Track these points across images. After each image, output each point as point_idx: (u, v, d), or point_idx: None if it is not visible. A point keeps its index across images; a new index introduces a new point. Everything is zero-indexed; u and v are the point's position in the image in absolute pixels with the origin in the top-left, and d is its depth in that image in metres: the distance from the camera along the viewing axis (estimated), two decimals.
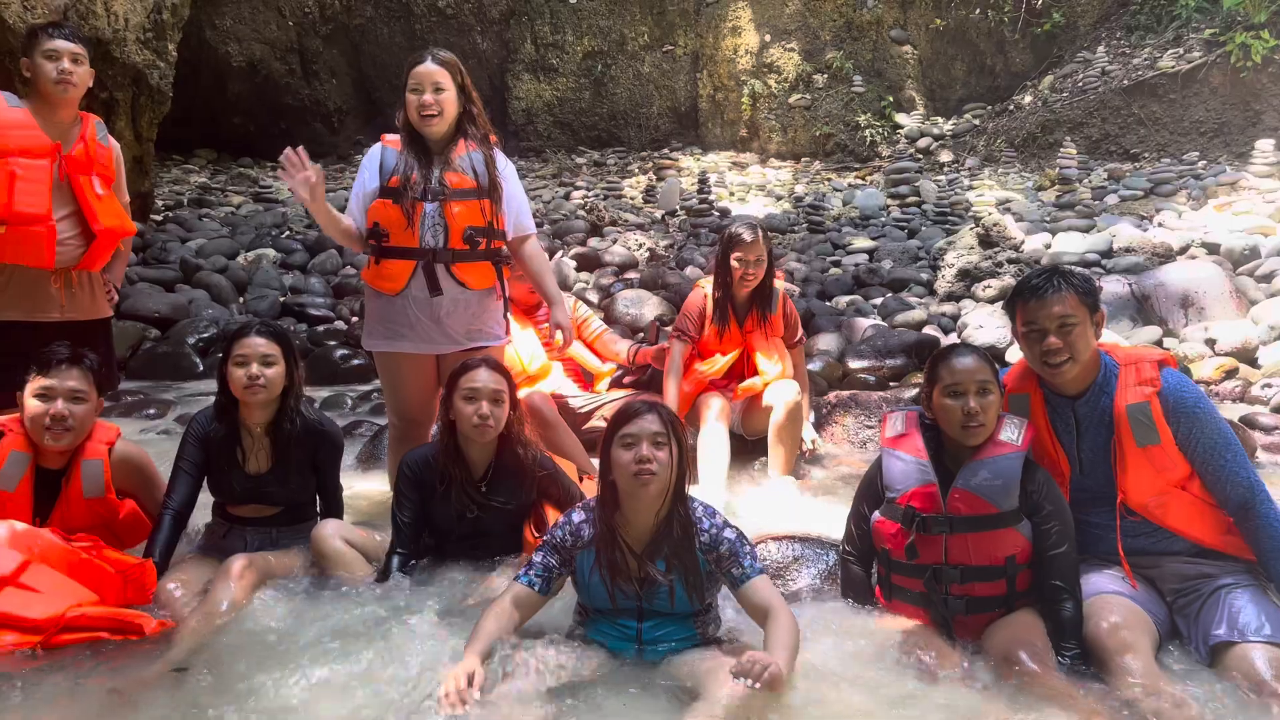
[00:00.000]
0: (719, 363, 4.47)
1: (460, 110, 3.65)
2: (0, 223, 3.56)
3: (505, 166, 3.78)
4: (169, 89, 9.21)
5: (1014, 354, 6.36)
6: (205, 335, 6.99)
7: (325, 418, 3.49)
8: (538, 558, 2.72)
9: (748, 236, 4.37)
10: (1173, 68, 13.69)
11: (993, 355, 6.37)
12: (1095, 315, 2.80)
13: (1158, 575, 2.79)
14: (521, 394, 4.49)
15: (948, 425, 2.77)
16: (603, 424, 4.70)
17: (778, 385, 4.34)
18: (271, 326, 3.35)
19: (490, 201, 3.67)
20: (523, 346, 4.63)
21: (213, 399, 3.37)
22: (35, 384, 3.04)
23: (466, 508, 3.21)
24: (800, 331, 4.77)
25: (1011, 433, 2.73)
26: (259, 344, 3.21)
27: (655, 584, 2.60)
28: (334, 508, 3.49)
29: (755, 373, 4.46)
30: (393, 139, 3.70)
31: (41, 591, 2.64)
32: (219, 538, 3.43)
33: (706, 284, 4.58)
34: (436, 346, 3.71)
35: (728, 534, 2.66)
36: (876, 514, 2.89)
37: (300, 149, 3.51)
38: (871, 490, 2.97)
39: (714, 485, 4.12)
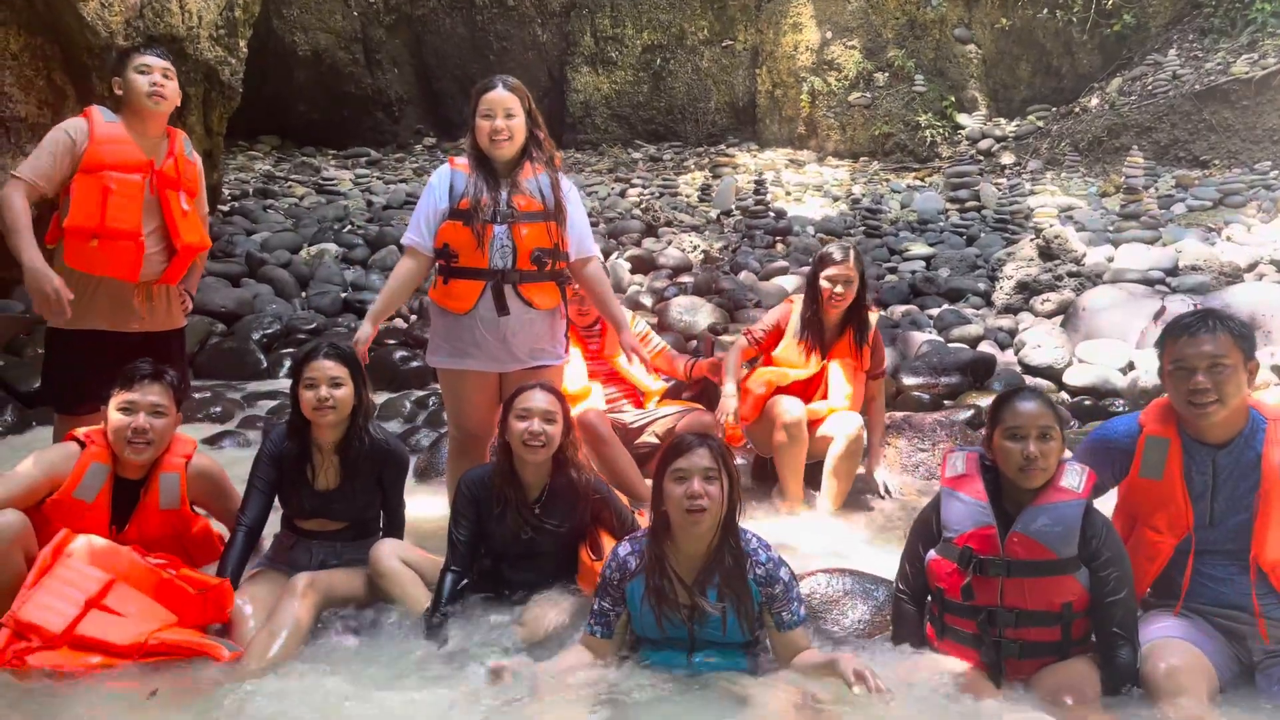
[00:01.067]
0: (790, 377, 4.44)
1: (527, 134, 3.73)
2: (93, 236, 3.67)
3: (569, 189, 3.85)
4: (239, 85, 9.39)
5: (1071, 375, 6.30)
6: (269, 331, 7.17)
7: (392, 438, 3.59)
8: (595, 604, 2.81)
9: (838, 255, 4.32)
10: (1246, 73, 13.35)
11: (1050, 375, 6.38)
12: (1249, 363, 2.72)
13: (1250, 633, 2.74)
14: (577, 409, 4.58)
15: (1007, 467, 2.77)
16: (654, 439, 4.80)
17: (841, 416, 4.30)
18: (340, 349, 3.43)
19: (556, 223, 3.75)
20: (568, 366, 4.69)
21: (277, 402, 3.48)
22: (119, 398, 3.16)
23: (521, 529, 3.27)
24: (884, 365, 4.63)
25: (1073, 479, 2.71)
26: (328, 367, 3.30)
27: (706, 614, 2.66)
28: (396, 524, 3.58)
29: (825, 396, 4.42)
30: (461, 162, 3.78)
31: (125, 615, 2.75)
32: (286, 549, 3.55)
33: (799, 300, 4.57)
34: (501, 365, 3.79)
35: (783, 573, 2.72)
36: (932, 553, 2.90)
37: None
38: (927, 529, 2.97)
39: (824, 504, 4.29)
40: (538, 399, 3.23)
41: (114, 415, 3.14)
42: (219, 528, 3.49)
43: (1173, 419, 2.82)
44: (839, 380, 4.36)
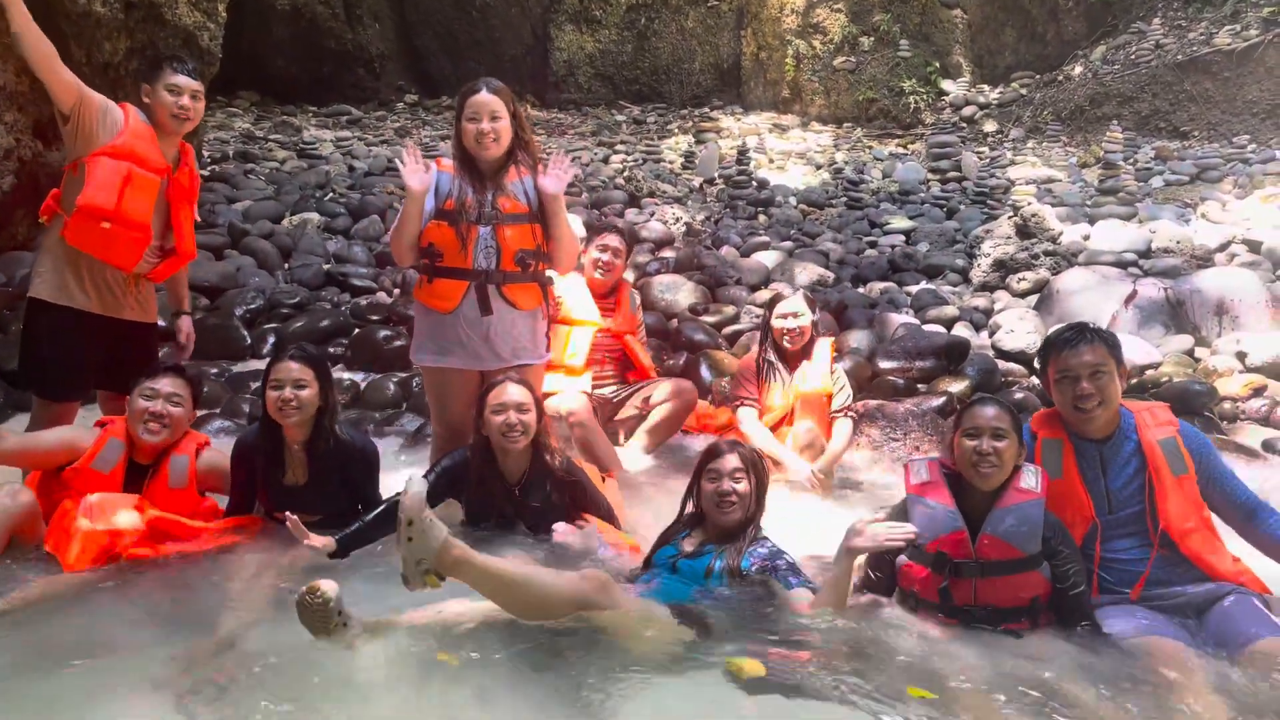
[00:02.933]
0: (770, 421, 4.67)
1: (513, 136, 3.79)
2: (106, 219, 3.73)
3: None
4: (218, 50, 9.29)
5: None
6: (253, 306, 7.19)
7: (359, 436, 3.73)
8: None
9: (787, 293, 4.73)
10: (1229, 44, 13.41)
11: (1022, 360, 6.51)
12: (1121, 368, 3.05)
13: (1179, 605, 2.96)
14: (560, 398, 4.71)
15: (963, 465, 2.95)
16: (634, 412, 4.96)
17: (796, 426, 4.55)
18: (306, 352, 3.59)
19: (540, 225, 3.83)
20: (577, 338, 4.83)
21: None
22: (142, 386, 3.45)
23: (503, 510, 3.47)
24: (849, 403, 4.74)
25: (1031, 480, 2.93)
26: (293, 369, 3.46)
27: (703, 552, 3.14)
28: None
29: (791, 424, 4.64)
30: (447, 163, 3.84)
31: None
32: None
33: (755, 349, 4.86)
34: (483, 363, 3.89)
35: (779, 561, 3.10)
36: (903, 558, 3.05)
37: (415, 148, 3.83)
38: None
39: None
40: (511, 393, 3.44)
41: (135, 400, 3.44)
42: None
43: (1059, 424, 3.13)
44: (801, 408, 4.61)
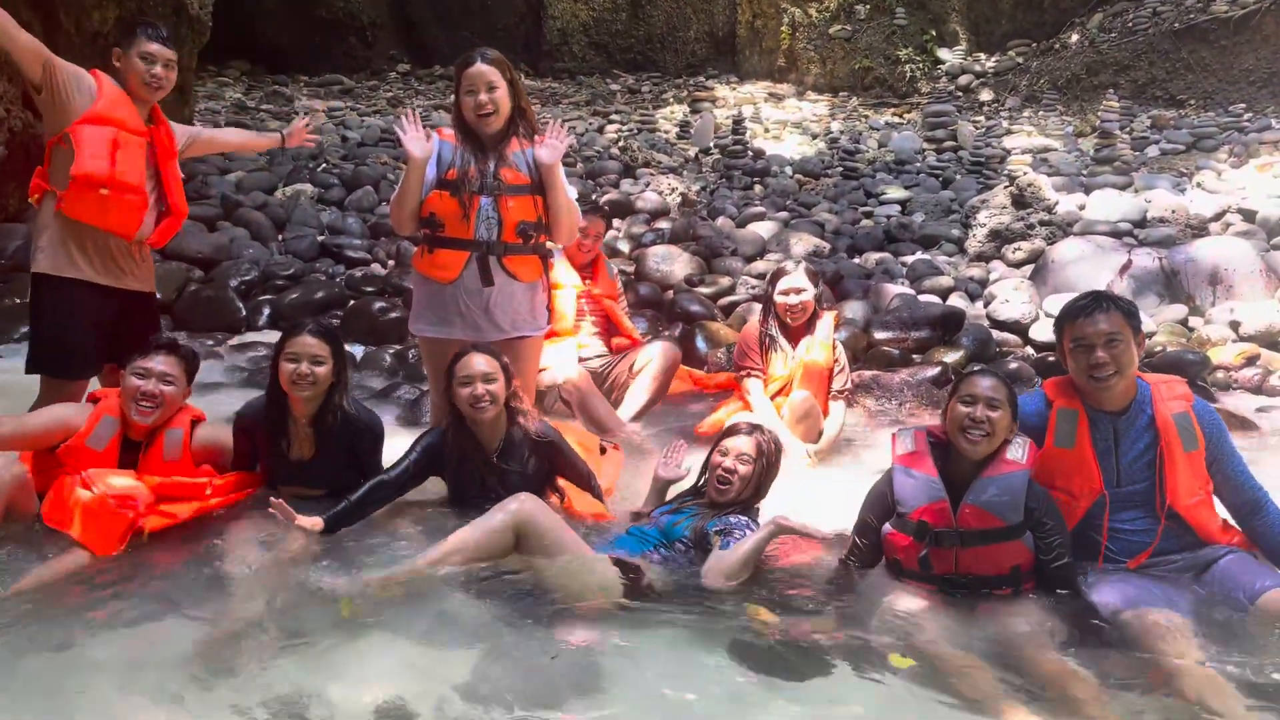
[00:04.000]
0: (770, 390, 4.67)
1: (512, 106, 3.76)
2: (102, 185, 3.70)
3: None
4: (208, 18, 9.21)
5: (1037, 330, 6.46)
6: (247, 278, 7.17)
7: (365, 410, 3.70)
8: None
9: (790, 268, 4.66)
10: (1226, 12, 13.32)
11: (1017, 330, 6.53)
12: (1138, 336, 3.01)
13: (1179, 569, 3.00)
14: (554, 369, 4.74)
15: (952, 431, 2.95)
16: (622, 380, 5.02)
17: (792, 396, 4.54)
18: (324, 327, 3.57)
19: (541, 197, 3.81)
20: (561, 301, 4.87)
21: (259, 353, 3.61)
22: (135, 363, 3.38)
23: (486, 479, 3.48)
24: (847, 385, 4.77)
25: (1017, 452, 2.92)
26: (311, 344, 3.43)
27: (686, 513, 3.30)
28: None
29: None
30: (448, 133, 3.82)
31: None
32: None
33: (753, 320, 4.85)
34: (483, 335, 3.87)
35: (737, 534, 3.17)
36: (887, 526, 3.08)
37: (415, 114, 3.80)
38: (881, 503, 3.14)
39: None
40: (477, 363, 3.44)
41: (128, 379, 3.37)
42: None
43: (1076, 392, 3.09)
44: (799, 379, 4.60)
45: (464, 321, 3.85)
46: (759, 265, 7.66)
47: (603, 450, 4.13)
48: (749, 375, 4.66)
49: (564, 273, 5.03)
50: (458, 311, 3.84)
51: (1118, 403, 3.02)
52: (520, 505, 3.03)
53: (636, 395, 4.92)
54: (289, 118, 12.90)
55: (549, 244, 4.04)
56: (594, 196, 9.25)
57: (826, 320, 4.68)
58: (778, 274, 4.68)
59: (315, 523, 3.21)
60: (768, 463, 3.31)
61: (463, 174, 3.70)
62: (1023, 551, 2.91)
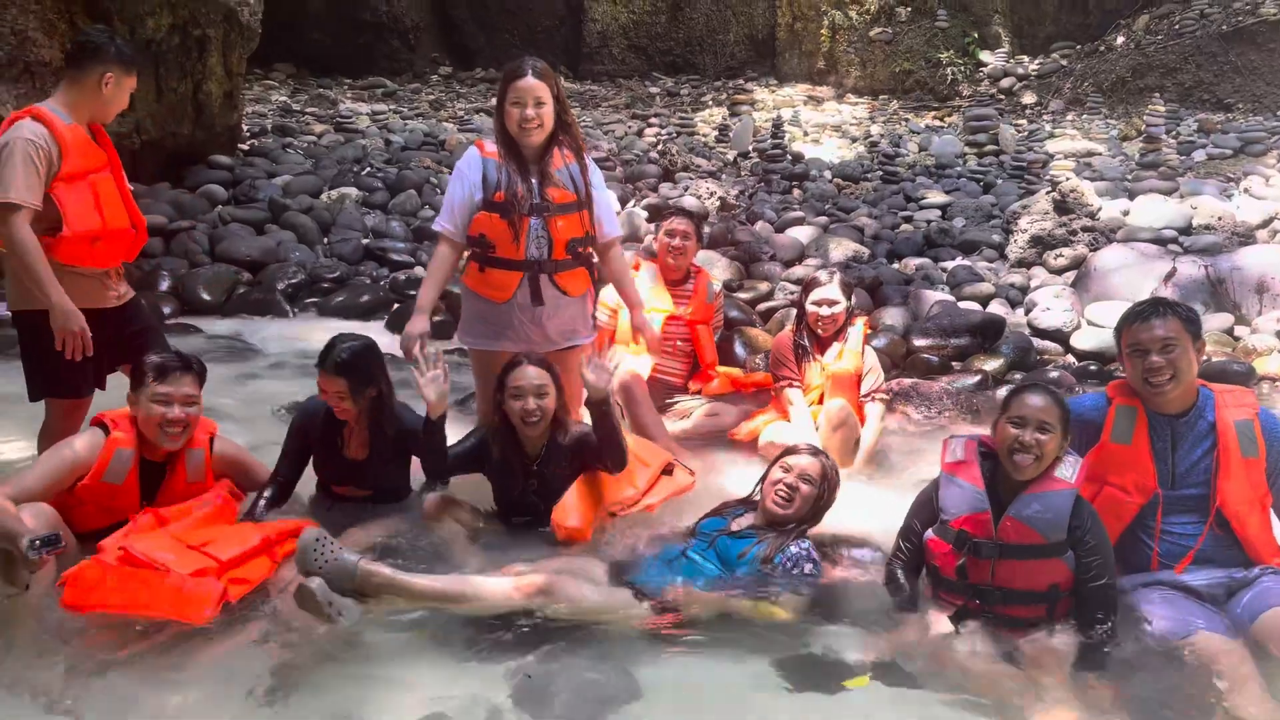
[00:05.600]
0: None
1: (556, 119, 3.81)
2: (96, 238, 3.69)
3: (595, 173, 3.95)
4: (258, 25, 9.41)
5: (1079, 339, 6.42)
6: (294, 280, 7.33)
7: (409, 411, 3.79)
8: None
9: (824, 278, 4.61)
10: (1275, 15, 13.12)
11: (1058, 338, 6.49)
12: (1197, 343, 3.04)
13: (1223, 584, 3.00)
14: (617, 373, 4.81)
15: (1001, 451, 2.97)
16: (675, 419, 5.02)
17: (827, 404, 4.50)
18: (340, 360, 3.53)
19: (588, 212, 3.86)
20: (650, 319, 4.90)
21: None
22: (154, 390, 3.29)
23: (526, 481, 3.59)
24: (879, 385, 4.71)
25: (1067, 470, 2.92)
26: (329, 381, 3.53)
27: (746, 535, 3.28)
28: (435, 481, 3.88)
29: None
30: (490, 149, 3.85)
31: (216, 539, 3.04)
32: (325, 510, 3.82)
33: (788, 329, 4.82)
34: (534, 347, 3.91)
35: (808, 566, 3.24)
36: (930, 532, 3.11)
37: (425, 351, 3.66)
38: (926, 508, 3.17)
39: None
40: (529, 376, 3.49)
41: (150, 406, 3.29)
42: None
43: (1136, 394, 3.12)
44: (834, 390, 4.56)
45: (516, 334, 3.90)
46: (797, 270, 7.67)
47: (670, 471, 3.95)
48: (789, 385, 4.65)
49: (651, 293, 4.93)
50: (509, 325, 3.89)
51: (1176, 407, 3.05)
52: (542, 583, 2.98)
53: (685, 425, 4.96)
54: (332, 120, 13.12)
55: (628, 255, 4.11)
56: (631, 202, 9.31)
57: (857, 327, 4.65)
58: (811, 283, 4.64)
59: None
60: (828, 488, 3.36)
61: (510, 195, 3.72)
62: (1062, 570, 2.91)
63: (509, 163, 3.76)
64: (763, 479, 3.42)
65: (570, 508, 3.49)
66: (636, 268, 5.04)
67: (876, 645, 2.96)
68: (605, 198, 4.00)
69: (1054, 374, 5.80)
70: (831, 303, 4.52)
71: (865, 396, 4.63)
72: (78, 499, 3.25)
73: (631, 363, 4.87)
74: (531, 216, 3.75)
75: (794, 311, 4.98)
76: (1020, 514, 2.91)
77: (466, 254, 3.93)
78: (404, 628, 2.89)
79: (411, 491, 3.87)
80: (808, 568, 3.21)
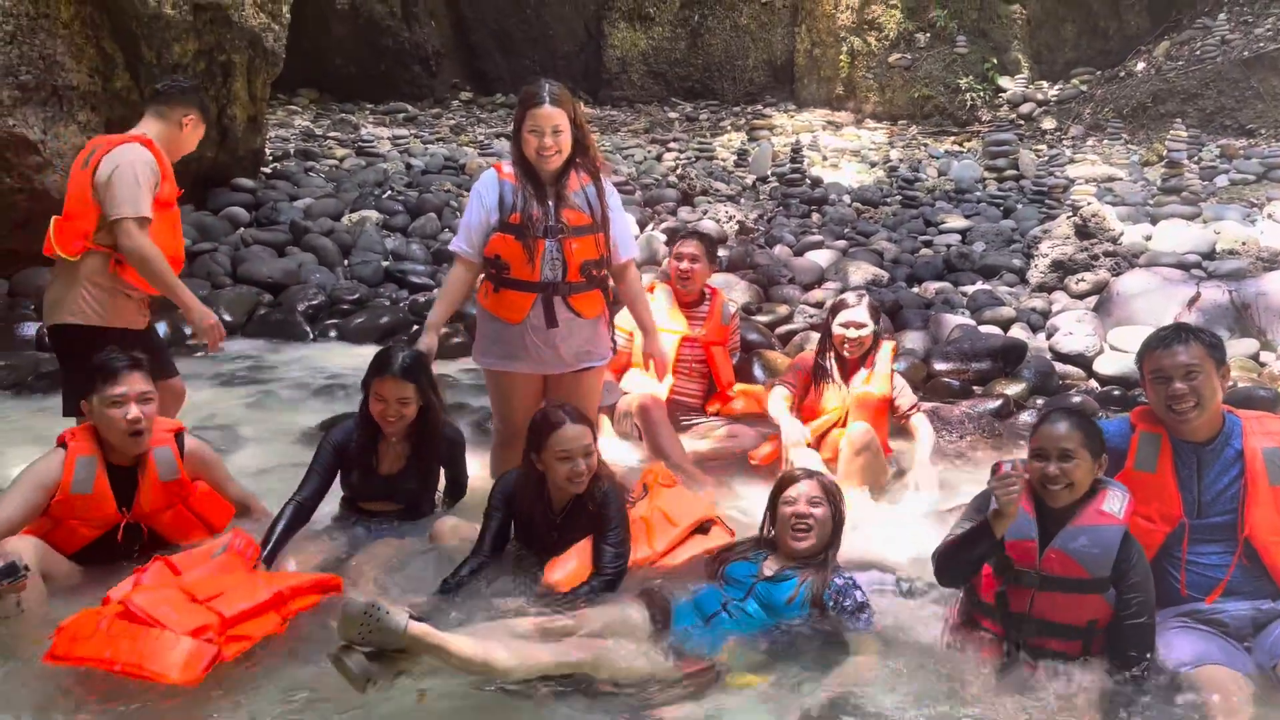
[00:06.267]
0: (814, 424, 4.58)
1: (574, 144, 3.81)
2: (173, 264, 4.05)
3: (612, 195, 3.95)
4: (282, 51, 9.51)
5: (1101, 364, 6.36)
6: (314, 302, 7.36)
7: (450, 424, 3.84)
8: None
9: (852, 300, 4.56)
10: None
11: (1080, 363, 6.43)
12: (1221, 368, 2.98)
13: (1248, 613, 2.93)
14: (633, 395, 4.79)
15: (1034, 483, 2.92)
16: (694, 438, 4.99)
17: (850, 428, 4.47)
18: (409, 365, 3.56)
19: (604, 234, 3.86)
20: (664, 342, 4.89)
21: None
22: (107, 393, 3.25)
23: (548, 535, 3.46)
24: (914, 402, 4.68)
25: (1115, 505, 2.85)
26: (397, 387, 3.53)
27: (785, 577, 3.12)
28: (459, 491, 3.92)
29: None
30: (507, 171, 3.86)
31: (225, 591, 2.90)
32: (349, 526, 3.81)
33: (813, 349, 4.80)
34: (548, 368, 3.93)
35: (856, 594, 3.13)
36: None
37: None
38: (977, 510, 3.08)
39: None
40: (574, 435, 3.31)
41: (107, 411, 3.25)
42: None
43: (1160, 421, 3.06)
44: (855, 412, 4.50)
45: (530, 355, 3.90)
46: (816, 294, 7.65)
47: (706, 529, 3.62)
48: (778, 384, 4.67)
49: (666, 315, 4.93)
50: (523, 347, 3.88)
51: (1201, 434, 3.00)
52: (590, 658, 2.84)
53: (704, 446, 4.93)
54: (354, 144, 13.24)
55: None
56: (650, 225, 9.33)
57: (884, 351, 4.61)
58: (839, 305, 4.59)
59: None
60: (836, 504, 3.26)
61: (526, 217, 3.72)
62: (1102, 607, 2.84)
63: (525, 185, 3.77)
64: (768, 518, 3.33)
65: (563, 564, 3.31)
66: (652, 290, 5.05)
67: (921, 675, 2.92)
68: (622, 220, 4.00)
69: (1077, 399, 5.74)
70: (860, 325, 4.48)
71: (906, 413, 4.60)
72: (54, 519, 3.23)
73: (649, 384, 4.87)
74: (546, 238, 3.75)
75: (813, 334, 4.95)
76: (1066, 546, 2.84)
77: (481, 275, 3.95)
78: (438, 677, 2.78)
79: (435, 507, 3.89)
80: (857, 595, 3.11)
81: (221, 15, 8.57)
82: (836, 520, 3.25)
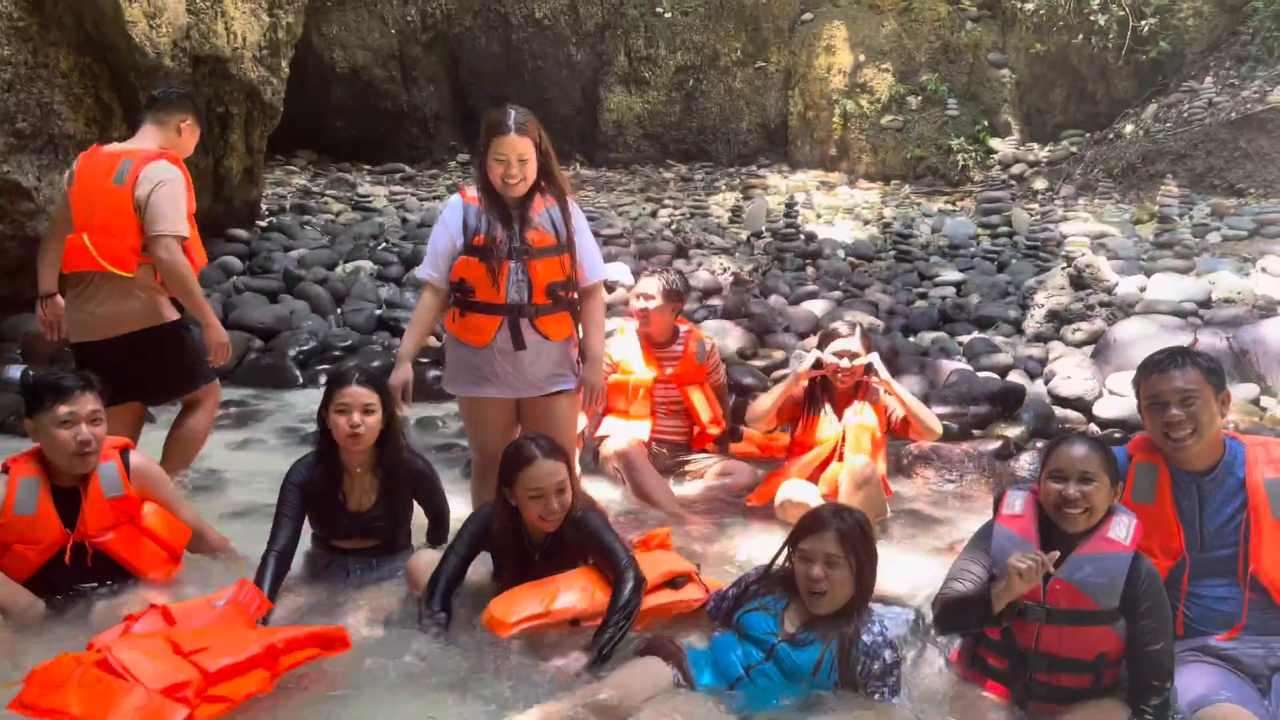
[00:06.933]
0: (807, 457, 4.51)
1: (539, 169, 3.78)
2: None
3: (578, 217, 3.92)
4: (280, 104, 9.60)
5: (1101, 407, 6.29)
6: (305, 348, 7.31)
7: (418, 456, 3.71)
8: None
9: (844, 330, 4.48)
10: None
11: (1080, 407, 6.35)
12: (1220, 394, 2.88)
13: (1262, 656, 2.81)
14: (616, 442, 4.70)
15: (1048, 508, 2.82)
16: (688, 480, 4.88)
17: (850, 461, 4.36)
18: (370, 374, 3.55)
19: (570, 255, 3.83)
20: (630, 390, 4.85)
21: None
22: (58, 413, 3.20)
23: (525, 574, 3.32)
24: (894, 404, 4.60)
25: (1121, 531, 2.75)
26: (361, 394, 3.41)
27: (808, 641, 2.81)
28: (442, 528, 3.74)
29: (841, 459, 4.45)
30: (472, 194, 3.84)
31: (213, 645, 2.72)
32: (321, 567, 3.66)
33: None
34: (519, 392, 3.90)
35: (886, 654, 2.86)
36: None
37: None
38: (976, 549, 2.99)
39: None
40: (547, 471, 3.17)
41: (55, 431, 3.19)
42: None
43: (1158, 450, 2.96)
44: (853, 443, 4.41)
45: (500, 380, 3.86)
46: (812, 341, 7.59)
47: (678, 584, 3.38)
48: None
49: (635, 358, 4.91)
50: (493, 372, 3.85)
51: (1200, 462, 2.89)
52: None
53: (697, 487, 4.84)
54: (350, 200, 13.31)
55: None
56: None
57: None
58: (831, 335, 4.51)
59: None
60: (863, 551, 2.86)
61: (489, 240, 3.70)
62: (1111, 639, 2.72)
63: (489, 209, 3.74)
64: (787, 555, 3.00)
65: (506, 601, 3.14)
66: (621, 331, 5.03)
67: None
68: (589, 241, 3.97)
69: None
70: (853, 355, 4.41)
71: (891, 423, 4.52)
72: (1, 544, 3.16)
73: (630, 429, 4.80)
74: (511, 260, 3.72)
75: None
76: (1071, 577, 2.74)
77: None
78: None
79: (410, 543, 3.76)
80: (886, 656, 2.84)
81: (221, 68, 8.65)
82: (865, 571, 2.87)
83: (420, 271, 3.98)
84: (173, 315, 4.43)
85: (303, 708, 2.80)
